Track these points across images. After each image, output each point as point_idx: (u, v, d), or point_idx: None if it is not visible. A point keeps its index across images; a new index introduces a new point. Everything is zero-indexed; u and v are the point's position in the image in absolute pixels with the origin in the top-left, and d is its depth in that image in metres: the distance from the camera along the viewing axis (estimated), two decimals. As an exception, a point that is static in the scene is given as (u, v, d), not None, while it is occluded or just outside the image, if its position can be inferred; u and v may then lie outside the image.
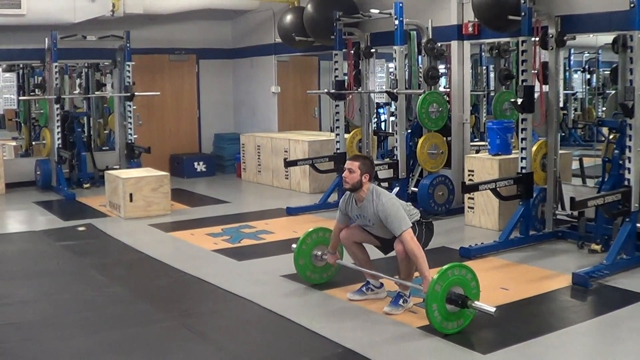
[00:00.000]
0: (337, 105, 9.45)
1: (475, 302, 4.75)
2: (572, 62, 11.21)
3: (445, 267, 4.79)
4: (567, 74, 11.03)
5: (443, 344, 4.63)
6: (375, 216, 5.18)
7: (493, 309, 4.66)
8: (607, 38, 8.17)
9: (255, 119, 12.94)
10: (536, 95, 7.21)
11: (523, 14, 7.00)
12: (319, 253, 5.83)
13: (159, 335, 4.91)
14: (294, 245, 5.89)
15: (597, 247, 6.69)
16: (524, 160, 7.12)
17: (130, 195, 8.84)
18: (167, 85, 12.92)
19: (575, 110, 11.56)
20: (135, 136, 11.44)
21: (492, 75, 10.12)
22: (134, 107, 11.45)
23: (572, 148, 9.76)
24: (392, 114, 8.82)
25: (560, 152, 7.50)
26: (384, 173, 8.51)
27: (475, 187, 7.20)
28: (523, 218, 7.11)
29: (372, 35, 9.77)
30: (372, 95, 10.05)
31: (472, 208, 8.10)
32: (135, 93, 11.35)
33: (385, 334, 4.88)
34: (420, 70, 8.76)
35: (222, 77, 13.57)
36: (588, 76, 11.36)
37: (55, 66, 10.59)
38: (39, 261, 7.03)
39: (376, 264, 5.69)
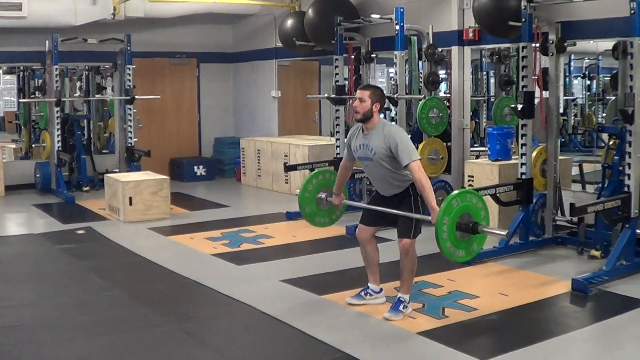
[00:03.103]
0: (337, 110, 9.46)
1: (486, 226, 4.73)
2: (572, 68, 11.24)
3: (452, 194, 4.81)
4: (567, 80, 11.05)
5: (443, 350, 4.63)
6: (381, 146, 5.09)
7: (505, 232, 4.65)
8: (607, 44, 8.21)
9: (255, 123, 12.94)
10: (536, 101, 7.21)
11: (523, 20, 7.01)
12: (324, 195, 5.78)
13: (157, 340, 4.91)
14: (297, 191, 5.85)
15: (597, 253, 6.68)
16: (523, 166, 7.12)
17: (130, 198, 8.83)
18: (167, 88, 12.92)
19: (575, 116, 11.58)
20: (135, 139, 11.46)
21: (492, 80, 10.14)
22: (134, 111, 11.47)
23: (572, 154, 9.77)
24: (392, 119, 8.81)
25: (560, 157, 7.50)
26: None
27: (475, 193, 7.19)
28: (523, 224, 7.10)
29: (372, 40, 9.78)
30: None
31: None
32: (136, 96, 11.37)
33: (385, 339, 4.87)
34: (421, 75, 8.76)
35: (222, 81, 13.57)
36: (588, 82, 11.39)
37: (56, 69, 10.59)
38: (38, 264, 7.02)
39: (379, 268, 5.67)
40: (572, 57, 10.92)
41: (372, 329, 5.07)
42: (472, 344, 4.79)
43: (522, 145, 7.13)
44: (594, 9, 6.95)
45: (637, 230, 6.24)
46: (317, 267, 6.71)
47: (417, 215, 5.13)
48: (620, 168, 6.42)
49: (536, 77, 7.21)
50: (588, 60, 11.24)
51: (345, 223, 8.15)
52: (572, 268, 6.46)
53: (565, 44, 7.17)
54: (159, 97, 12.15)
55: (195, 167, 12.81)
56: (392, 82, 9.08)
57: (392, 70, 9.74)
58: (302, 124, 12.84)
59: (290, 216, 9.04)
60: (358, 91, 5.31)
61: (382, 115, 5.24)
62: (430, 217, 4.92)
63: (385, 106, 11.70)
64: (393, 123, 5.30)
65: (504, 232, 4.66)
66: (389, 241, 6.48)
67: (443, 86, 9.61)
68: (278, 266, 6.82)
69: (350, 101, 9.70)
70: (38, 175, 11.08)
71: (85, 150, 11.53)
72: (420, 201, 5.19)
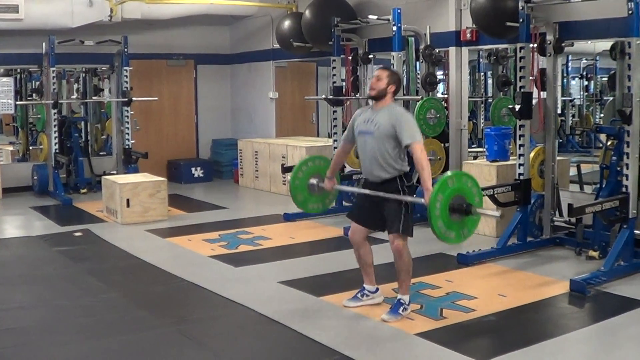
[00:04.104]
0: (334, 111, 9.46)
1: (479, 207, 4.73)
2: (570, 69, 11.23)
3: (441, 178, 4.80)
4: (565, 80, 11.04)
5: (441, 351, 4.62)
6: (387, 122, 5.08)
7: (498, 213, 4.66)
8: (605, 45, 8.22)
9: (252, 125, 12.93)
10: (534, 101, 7.20)
11: (521, 20, 7.01)
12: (315, 182, 5.72)
13: (155, 342, 4.90)
14: (288, 176, 5.82)
15: (595, 254, 6.68)
16: (521, 167, 7.12)
17: (127, 200, 8.82)
18: (164, 90, 12.90)
19: (573, 116, 11.57)
20: (133, 141, 11.45)
21: (490, 81, 10.12)
22: (132, 112, 11.46)
23: (569, 154, 9.76)
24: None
25: (558, 158, 7.50)
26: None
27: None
28: (521, 224, 7.10)
29: (370, 41, 9.78)
30: (369, 101, 10.03)
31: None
32: (133, 98, 11.35)
33: (382, 341, 4.86)
34: (418, 76, 8.76)
35: (220, 83, 13.56)
36: (586, 83, 11.38)
37: (53, 71, 10.57)
38: (35, 266, 7.00)
39: (374, 270, 5.65)
40: (570, 57, 10.91)
41: (369, 330, 5.06)
42: (470, 345, 4.79)
43: (520, 146, 7.13)
44: (592, 9, 6.95)
45: (635, 231, 6.24)
46: (314, 269, 6.70)
47: (409, 198, 5.10)
48: (618, 168, 6.43)
49: (534, 78, 7.21)
50: (586, 61, 11.23)
51: (343, 224, 8.15)
52: (570, 269, 6.45)
53: (563, 44, 7.17)
54: (156, 98, 12.13)
55: (193, 169, 12.79)
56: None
57: (389, 71, 9.70)
58: (300, 125, 12.83)
59: (288, 218, 9.03)
60: (377, 70, 5.38)
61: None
62: (423, 200, 4.88)
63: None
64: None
65: (497, 213, 4.66)
66: (384, 242, 6.47)
67: (441, 87, 9.61)
68: (276, 268, 6.81)
69: (348, 102, 9.71)
70: (35, 178, 11.05)
71: (83, 152, 11.51)
72: (409, 193, 5.16)
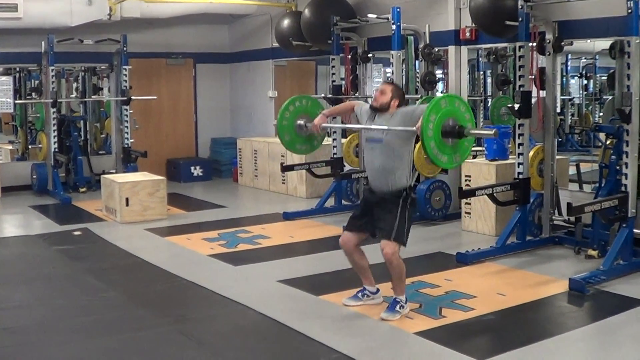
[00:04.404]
0: (334, 110, 9.43)
1: (472, 128, 4.75)
2: (569, 68, 11.22)
3: (435, 99, 4.82)
4: (564, 79, 11.03)
5: (440, 350, 4.62)
6: (397, 120, 5.08)
7: (492, 131, 4.65)
8: (604, 44, 8.20)
9: (252, 124, 12.92)
10: (533, 100, 7.21)
11: (520, 19, 7.00)
12: (302, 122, 5.69)
13: (154, 341, 4.89)
14: (274, 122, 5.80)
15: (594, 253, 6.68)
16: (521, 166, 7.12)
17: (127, 199, 8.82)
18: (164, 89, 12.89)
19: (572, 115, 11.57)
20: (132, 140, 11.44)
21: (489, 80, 10.12)
22: (131, 111, 11.46)
23: (569, 153, 9.76)
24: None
25: (557, 157, 7.50)
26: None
27: (472, 193, 7.18)
28: (520, 223, 7.10)
29: (369, 40, 9.78)
30: (369, 100, 10.04)
31: (469, 213, 8.09)
32: (132, 97, 11.35)
33: (381, 340, 4.87)
34: (418, 75, 8.76)
35: (219, 82, 13.55)
36: (585, 82, 11.37)
37: (52, 70, 10.56)
38: (34, 266, 7.00)
39: (372, 270, 5.65)
40: (569, 56, 10.90)
41: (369, 329, 5.06)
42: (470, 344, 4.78)
43: (519, 145, 7.13)
44: (591, 8, 6.95)
45: (635, 230, 6.25)
46: (314, 268, 6.70)
47: (400, 128, 5.00)
48: (618, 167, 6.43)
49: (533, 77, 7.21)
50: (585, 60, 11.23)
51: (342, 223, 8.13)
52: (569, 268, 6.45)
53: (562, 43, 7.17)
54: (155, 97, 12.12)
55: (192, 168, 12.79)
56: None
57: (388, 70, 9.72)
58: (299, 124, 12.81)
59: (288, 216, 9.03)
60: (381, 84, 5.38)
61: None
62: (415, 127, 4.88)
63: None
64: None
65: (492, 132, 4.66)
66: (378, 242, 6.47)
67: (440, 86, 9.60)
68: (275, 267, 6.81)
69: (347, 101, 9.70)
70: (35, 177, 11.05)
71: (82, 151, 11.51)
72: (409, 209, 5.13)
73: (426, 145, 4.68)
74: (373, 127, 5.15)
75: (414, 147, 8.43)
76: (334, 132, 9.37)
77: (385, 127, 5.07)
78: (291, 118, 5.66)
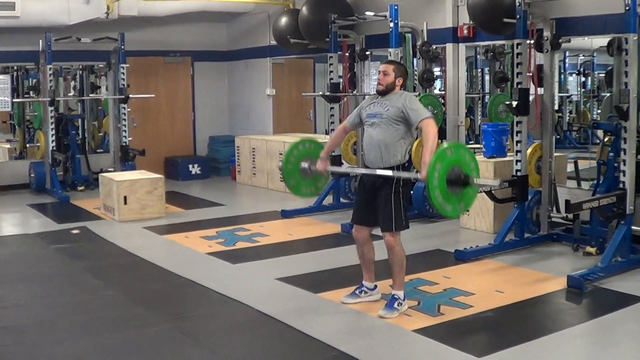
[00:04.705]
0: (332, 108, 9.45)
1: (477, 178, 4.75)
2: (567, 65, 11.25)
3: (441, 148, 4.83)
4: (562, 76, 11.06)
5: (438, 347, 4.62)
6: (396, 105, 5.11)
7: (497, 182, 4.65)
8: (602, 41, 8.22)
9: (250, 122, 12.92)
10: (531, 97, 7.21)
11: (518, 16, 7.00)
12: (306, 165, 5.67)
13: (152, 339, 4.89)
14: (280, 164, 5.82)
15: (592, 250, 6.68)
16: (519, 163, 7.12)
17: (125, 198, 8.81)
18: (161, 87, 12.88)
19: (570, 112, 11.60)
20: (130, 139, 11.43)
21: (487, 77, 10.13)
22: (129, 110, 11.45)
23: (567, 150, 9.77)
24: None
25: (555, 154, 7.50)
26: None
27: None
28: (518, 221, 7.10)
29: (367, 37, 9.77)
30: (366, 97, 10.03)
31: (467, 211, 8.09)
32: (130, 95, 11.34)
33: (380, 337, 4.87)
34: (415, 72, 8.76)
35: (217, 80, 13.54)
36: (583, 79, 11.40)
37: (50, 68, 10.55)
38: (33, 264, 7.00)
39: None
40: (567, 53, 10.93)
41: (367, 327, 5.07)
42: (468, 341, 4.79)
43: (517, 142, 7.13)
44: (589, 5, 6.96)
45: (633, 227, 6.25)
46: (312, 265, 6.70)
47: (405, 174, 5.08)
48: (616, 165, 6.43)
49: (531, 74, 7.21)
50: (583, 57, 11.25)
51: (341, 221, 8.17)
52: (567, 265, 6.45)
53: (560, 40, 7.17)
54: (153, 95, 12.11)
55: (190, 166, 12.78)
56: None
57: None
58: (297, 121, 12.82)
59: (286, 214, 9.03)
60: (382, 65, 5.36)
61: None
62: (419, 175, 4.89)
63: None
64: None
65: (496, 182, 4.67)
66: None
67: (438, 83, 9.60)
68: (273, 264, 6.81)
69: (345, 99, 9.71)
70: (32, 175, 11.03)
71: (80, 149, 11.49)
72: (403, 192, 5.15)
73: (431, 193, 4.71)
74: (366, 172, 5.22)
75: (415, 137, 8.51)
76: (332, 130, 9.36)
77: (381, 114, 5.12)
78: (295, 162, 5.71)
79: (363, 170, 5.24)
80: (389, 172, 5.09)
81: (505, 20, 7.20)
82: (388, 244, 5.16)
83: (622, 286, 5.76)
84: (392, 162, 5.14)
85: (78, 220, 8.96)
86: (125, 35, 11.27)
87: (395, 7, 8.02)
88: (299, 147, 5.72)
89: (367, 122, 5.30)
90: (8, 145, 12.28)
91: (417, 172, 5.22)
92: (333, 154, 9.25)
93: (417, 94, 8.35)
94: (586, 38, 8.26)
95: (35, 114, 11.47)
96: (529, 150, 7.29)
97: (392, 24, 8.06)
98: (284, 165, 5.65)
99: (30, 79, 11.87)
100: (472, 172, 4.88)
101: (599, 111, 10.49)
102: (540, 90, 7.28)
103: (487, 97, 9.88)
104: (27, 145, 11.91)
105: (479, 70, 10.36)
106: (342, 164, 9.39)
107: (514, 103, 7.03)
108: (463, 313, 5.24)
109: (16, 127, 12.12)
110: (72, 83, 12.52)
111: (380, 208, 5.16)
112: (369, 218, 5.35)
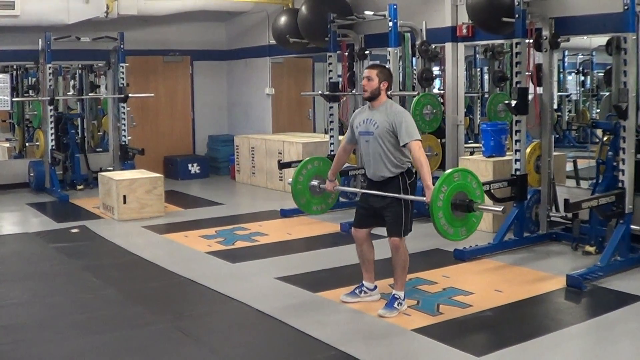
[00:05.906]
0: (331, 107, 9.45)
1: (481, 204, 4.77)
2: (566, 64, 11.24)
3: (448, 171, 4.86)
4: (561, 75, 11.05)
5: (437, 346, 4.63)
6: (385, 121, 5.11)
7: (500, 208, 4.67)
8: (601, 40, 8.21)
9: (249, 121, 12.92)
10: (530, 97, 7.21)
11: (517, 15, 7.00)
12: (316, 183, 5.77)
13: (152, 338, 4.89)
14: (289, 181, 5.85)
15: (591, 249, 6.69)
16: (518, 162, 7.12)
17: (124, 197, 8.81)
18: (161, 86, 12.88)
19: (569, 112, 11.59)
20: (129, 138, 11.43)
21: (486, 77, 10.13)
22: (128, 109, 11.44)
23: (566, 150, 9.76)
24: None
25: (555, 153, 7.50)
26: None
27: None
28: (517, 220, 7.11)
29: (366, 37, 9.77)
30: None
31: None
32: (129, 94, 11.33)
33: (379, 337, 4.87)
34: (414, 72, 8.76)
35: (216, 79, 13.54)
36: (582, 78, 11.39)
37: (49, 67, 10.55)
38: (32, 263, 7.00)
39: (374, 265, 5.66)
40: (566, 52, 10.92)
41: (366, 326, 5.07)
42: (467, 341, 4.79)
43: (516, 141, 7.14)
44: (588, 4, 6.95)
45: (632, 226, 6.25)
46: (311, 265, 6.70)
47: (411, 197, 5.13)
48: (615, 164, 6.43)
49: (530, 73, 7.21)
50: (582, 56, 11.24)
51: (340, 220, 8.17)
52: (566, 264, 6.45)
53: (559, 39, 7.17)
54: (152, 95, 12.13)
55: (190, 165, 12.78)
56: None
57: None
58: (296, 121, 12.82)
59: (285, 213, 9.03)
60: (366, 70, 5.34)
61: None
62: (424, 198, 4.91)
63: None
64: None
65: (500, 208, 4.68)
66: (383, 238, 6.47)
67: (437, 83, 9.60)
68: (272, 264, 6.81)
69: (344, 98, 9.71)
70: (32, 174, 11.03)
71: (79, 148, 11.50)
72: (410, 191, 5.18)
73: (434, 215, 4.72)
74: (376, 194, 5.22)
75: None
76: (332, 129, 9.37)
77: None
78: (305, 181, 5.78)
79: (371, 192, 5.25)
80: (395, 195, 5.11)
81: (504, 19, 7.20)
82: (394, 244, 5.17)
83: (621, 285, 5.76)
84: (394, 169, 5.16)
85: (77, 219, 8.96)
86: (124, 34, 11.27)
87: (395, 7, 8.02)
88: (307, 166, 5.80)
89: (361, 139, 5.33)
90: (7, 144, 12.29)
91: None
92: (332, 152, 9.28)
93: (416, 93, 8.35)
94: (585, 37, 8.25)
95: (35, 113, 11.47)
96: (528, 150, 7.29)
97: (391, 23, 8.06)
98: (294, 184, 5.71)
99: (29, 78, 11.88)
100: (477, 199, 4.89)
101: (598, 110, 10.49)
102: (539, 90, 7.29)
103: (486, 96, 9.88)
104: (27, 144, 11.91)
105: (478, 69, 10.35)
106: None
107: (513, 102, 7.04)
108: (462, 312, 5.24)
109: (15, 126, 12.12)
110: (72, 82, 12.51)
111: (390, 217, 5.18)
112: (371, 221, 5.39)
